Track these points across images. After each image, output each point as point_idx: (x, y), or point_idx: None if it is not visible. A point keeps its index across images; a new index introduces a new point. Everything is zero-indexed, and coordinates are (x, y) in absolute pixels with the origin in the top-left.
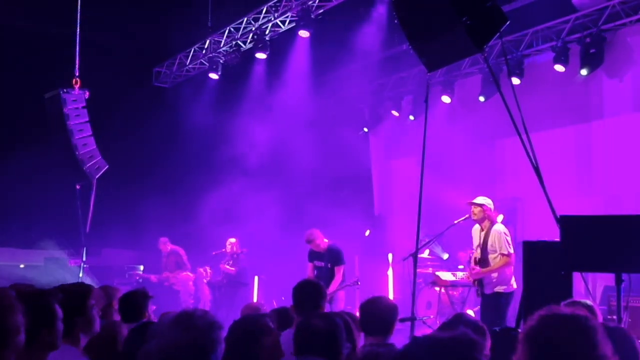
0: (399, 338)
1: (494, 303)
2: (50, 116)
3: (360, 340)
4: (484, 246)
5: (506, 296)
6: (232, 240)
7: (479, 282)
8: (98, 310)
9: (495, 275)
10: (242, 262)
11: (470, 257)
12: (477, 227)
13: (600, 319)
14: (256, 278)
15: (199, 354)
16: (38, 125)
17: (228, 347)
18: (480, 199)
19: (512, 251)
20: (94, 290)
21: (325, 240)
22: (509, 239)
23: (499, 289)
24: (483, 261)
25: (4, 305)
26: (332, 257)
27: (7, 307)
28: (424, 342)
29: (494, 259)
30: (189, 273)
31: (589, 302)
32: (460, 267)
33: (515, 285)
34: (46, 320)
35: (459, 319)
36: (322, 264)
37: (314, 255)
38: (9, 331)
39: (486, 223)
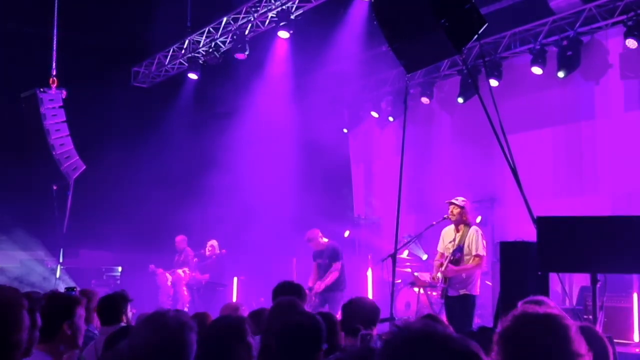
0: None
1: (461, 305)
2: (27, 116)
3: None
4: (459, 247)
5: (473, 298)
6: (214, 242)
7: (448, 282)
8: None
9: (465, 276)
10: (222, 264)
11: (441, 258)
12: (451, 227)
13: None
14: (235, 279)
15: (169, 354)
16: (14, 125)
17: (203, 348)
18: (461, 200)
19: (484, 254)
20: (83, 301)
21: (325, 240)
22: (484, 242)
23: (467, 291)
24: (457, 262)
25: (10, 321)
26: (330, 254)
27: (14, 322)
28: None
29: (468, 260)
30: (168, 275)
31: (545, 299)
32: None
33: (479, 291)
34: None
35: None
36: (322, 261)
37: (316, 255)
38: (11, 347)
39: (462, 224)
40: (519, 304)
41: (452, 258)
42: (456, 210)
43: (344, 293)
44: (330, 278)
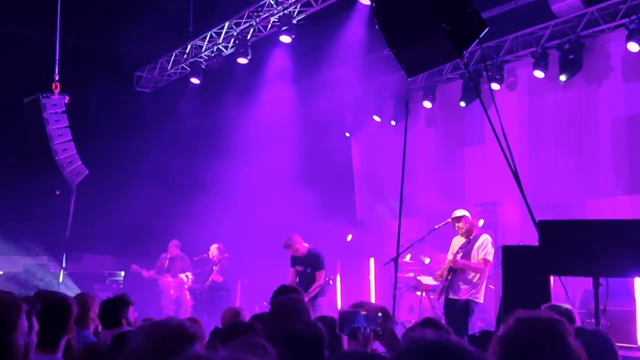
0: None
1: (460, 309)
2: (30, 121)
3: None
4: (467, 252)
5: (475, 305)
6: (217, 246)
7: (450, 281)
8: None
9: (471, 277)
10: (226, 268)
11: (446, 262)
12: (460, 237)
13: (578, 322)
14: (238, 283)
15: None
16: (17, 130)
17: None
18: (459, 212)
19: (491, 260)
20: (75, 302)
21: (305, 245)
22: (493, 249)
23: (471, 296)
24: (465, 258)
25: (10, 321)
26: (311, 262)
27: (13, 323)
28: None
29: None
30: (169, 278)
31: (568, 306)
32: None
33: (482, 300)
34: None
35: (428, 323)
36: (302, 268)
37: (295, 260)
38: (10, 349)
39: (472, 233)
40: (542, 307)
41: (461, 252)
42: (460, 224)
43: (326, 297)
44: (316, 289)
